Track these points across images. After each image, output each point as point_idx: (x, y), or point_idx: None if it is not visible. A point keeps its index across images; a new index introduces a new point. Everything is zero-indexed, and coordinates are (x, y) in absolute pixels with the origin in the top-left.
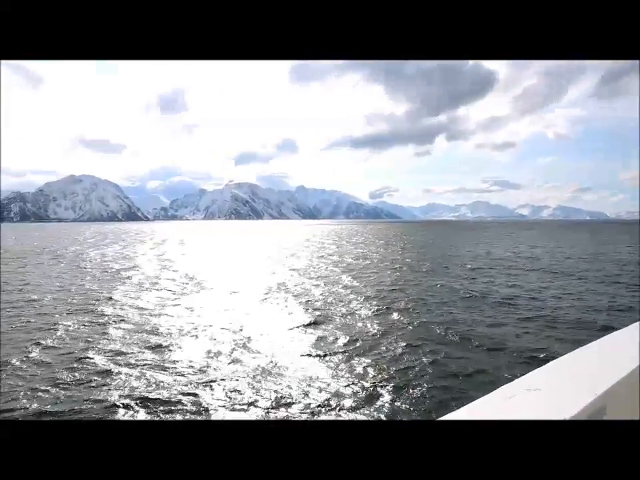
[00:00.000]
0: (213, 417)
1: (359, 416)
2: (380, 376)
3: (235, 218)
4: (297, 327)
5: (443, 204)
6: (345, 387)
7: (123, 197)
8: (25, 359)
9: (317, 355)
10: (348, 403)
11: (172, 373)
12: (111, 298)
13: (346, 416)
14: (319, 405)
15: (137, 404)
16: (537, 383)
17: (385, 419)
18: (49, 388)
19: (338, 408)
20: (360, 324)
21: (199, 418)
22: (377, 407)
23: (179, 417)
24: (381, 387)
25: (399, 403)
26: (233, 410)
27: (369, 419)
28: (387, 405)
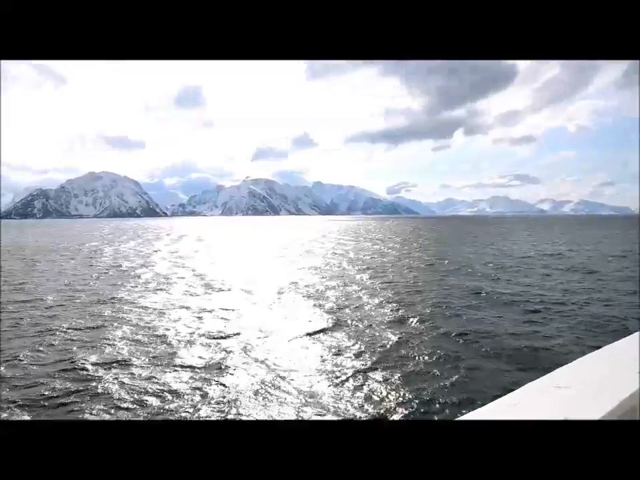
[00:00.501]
0: (213, 417)
1: (359, 416)
2: (397, 380)
3: (252, 214)
4: (314, 329)
5: (461, 199)
6: (363, 389)
7: (142, 193)
8: (23, 360)
9: (334, 358)
10: (368, 405)
11: (182, 372)
12: (117, 298)
13: (353, 416)
14: (334, 406)
15: (145, 403)
16: (565, 380)
17: (386, 418)
18: (51, 388)
19: (356, 409)
20: (379, 327)
21: (198, 418)
22: (402, 409)
23: (179, 417)
24: (400, 390)
25: (420, 406)
26: (249, 410)
27: (369, 418)
28: (410, 407)
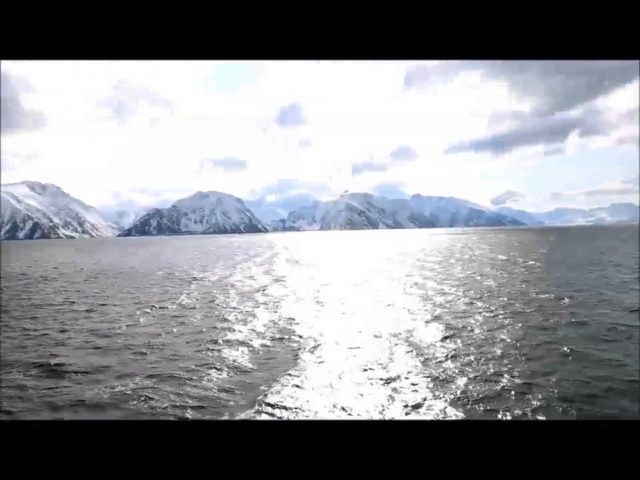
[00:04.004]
0: (213, 417)
1: (360, 416)
2: None
3: (350, 228)
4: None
5: (574, 208)
6: None
7: (245, 211)
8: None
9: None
10: None
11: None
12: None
13: (358, 416)
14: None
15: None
16: None
17: (386, 418)
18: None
19: None
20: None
21: (199, 418)
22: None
23: (179, 417)
24: None
25: None
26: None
27: (370, 418)
28: None
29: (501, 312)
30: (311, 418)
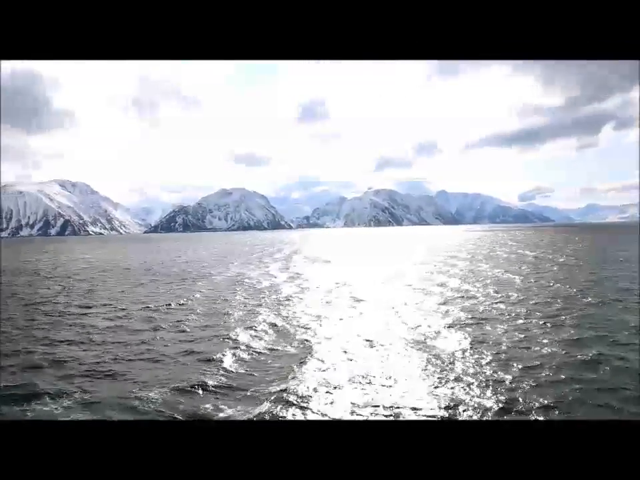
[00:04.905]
0: (213, 417)
1: (360, 416)
2: None
3: (374, 225)
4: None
5: (607, 205)
6: None
7: (269, 207)
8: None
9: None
10: None
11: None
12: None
13: (361, 416)
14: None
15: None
16: None
17: (386, 418)
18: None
19: None
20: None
21: (199, 418)
22: None
23: (179, 417)
24: None
25: None
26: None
27: (370, 418)
28: None
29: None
30: (311, 418)
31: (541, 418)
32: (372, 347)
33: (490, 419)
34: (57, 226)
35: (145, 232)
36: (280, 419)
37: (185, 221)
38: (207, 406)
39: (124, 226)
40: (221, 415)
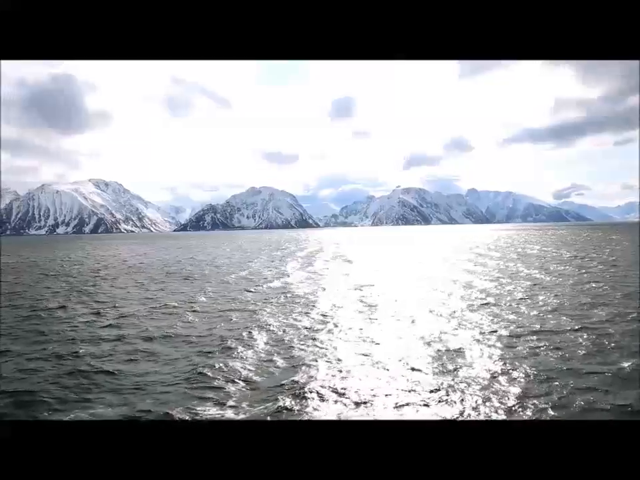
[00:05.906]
0: (213, 417)
1: (360, 416)
2: None
3: (403, 223)
4: None
5: None
6: None
7: (296, 206)
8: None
9: None
10: None
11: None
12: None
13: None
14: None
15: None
16: None
17: (387, 418)
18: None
19: None
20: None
21: (199, 418)
22: None
23: (179, 418)
24: None
25: None
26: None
27: (370, 418)
28: None
29: None
30: (311, 418)
31: (543, 418)
32: (396, 347)
33: (491, 419)
34: (90, 224)
35: (175, 230)
36: (280, 418)
37: (213, 219)
38: (208, 405)
39: (154, 224)
40: (224, 413)
